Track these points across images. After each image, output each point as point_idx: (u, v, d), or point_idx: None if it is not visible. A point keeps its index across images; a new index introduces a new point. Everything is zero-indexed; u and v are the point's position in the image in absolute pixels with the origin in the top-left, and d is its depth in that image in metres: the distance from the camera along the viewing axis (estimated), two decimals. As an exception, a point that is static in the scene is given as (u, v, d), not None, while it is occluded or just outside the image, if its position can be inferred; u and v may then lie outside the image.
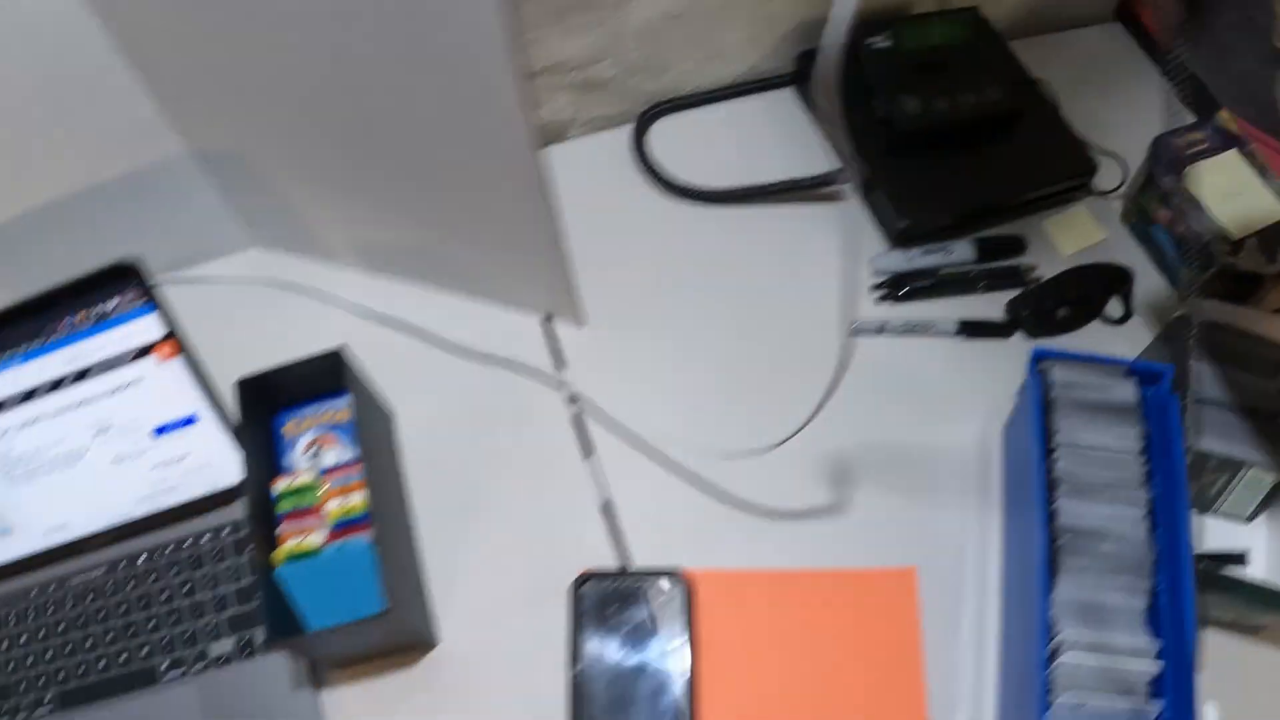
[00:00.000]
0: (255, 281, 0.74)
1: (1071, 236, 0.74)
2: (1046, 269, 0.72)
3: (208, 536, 0.68)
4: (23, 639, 0.70)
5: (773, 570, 0.62)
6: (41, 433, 0.65)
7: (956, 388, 0.68)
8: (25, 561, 0.70)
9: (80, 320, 0.61)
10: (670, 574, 0.61)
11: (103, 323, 0.61)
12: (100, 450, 0.66)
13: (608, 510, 0.64)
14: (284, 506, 0.61)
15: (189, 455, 0.66)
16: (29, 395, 0.64)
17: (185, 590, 0.67)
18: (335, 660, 0.63)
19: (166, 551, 0.69)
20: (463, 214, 0.62)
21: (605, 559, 0.63)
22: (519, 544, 0.65)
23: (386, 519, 0.61)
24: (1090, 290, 0.71)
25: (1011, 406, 0.66)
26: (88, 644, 0.68)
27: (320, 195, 0.67)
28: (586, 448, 0.66)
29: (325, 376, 0.64)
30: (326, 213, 0.69)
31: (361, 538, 0.59)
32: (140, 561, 0.69)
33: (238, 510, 0.68)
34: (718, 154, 0.76)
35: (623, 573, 0.62)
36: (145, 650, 0.67)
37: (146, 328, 0.62)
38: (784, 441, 0.59)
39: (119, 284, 0.60)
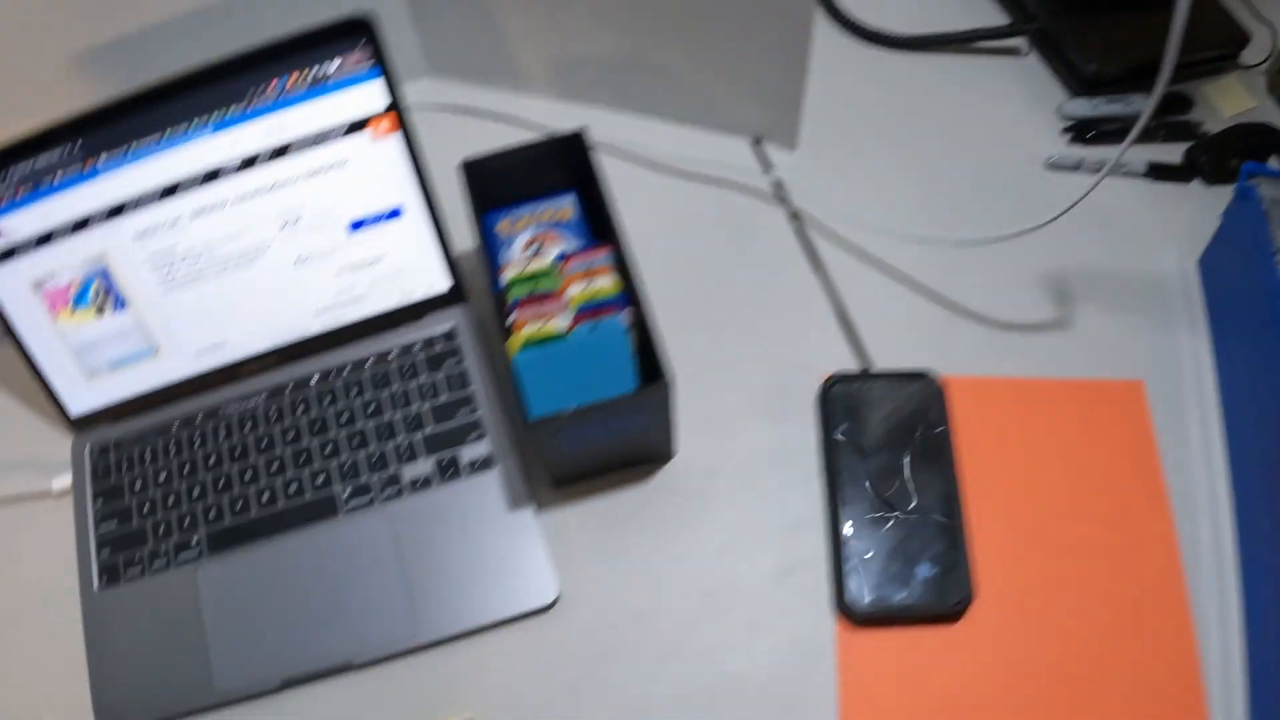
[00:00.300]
0: (433, 108, 0.69)
1: (1229, 101, 0.77)
2: (1211, 128, 0.75)
3: (396, 353, 0.61)
4: (161, 478, 0.61)
5: (1011, 377, 0.61)
6: (218, 223, 0.57)
7: (1146, 224, 0.69)
8: (170, 390, 0.62)
9: (293, 83, 0.55)
10: (921, 374, 0.59)
11: (319, 87, 0.55)
12: (283, 247, 0.58)
13: (844, 318, 0.61)
14: (516, 293, 0.55)
15: (384, 258, 0.60)
16: (212, 176, 0.56)
17: (370, 411, 0.60)
18: (567, 472, 0.57)
19: (345, 372, 0.61)
20: (705, 19, 0.59)
21: (841, 367, 0.60)
22: (751, 354, 0.61)
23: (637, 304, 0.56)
24: (1256, 145, 0.74)
25: (1201, 244, 0.67)
26: (245, 476, 0.60)
27: (532, 4, 0.63)
28: (815, 259, 0.63)
29: (548, 168, 0.59)
30: (531, 27, 0.65)
31: (615, 319, 0.54)
32: (313, 383, 0.61)
33: (432, 325, 0.62)
34: (893, 10, 0.77)
35: (871, 375, 0.59)
36: (321, 478, 0.59)
37: (366, 97, 0.55)
38: (1011, 237, 0.58)
39: (345, 43, 0.54)
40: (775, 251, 0.64)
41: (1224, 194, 0.66)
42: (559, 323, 0.54)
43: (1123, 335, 0.63)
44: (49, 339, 0.59)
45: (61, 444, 0.64)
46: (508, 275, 0.56)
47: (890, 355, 0.61)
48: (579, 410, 0.50)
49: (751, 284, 0.63)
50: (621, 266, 0.55)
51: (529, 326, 0.54)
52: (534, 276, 0.56)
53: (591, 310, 0.54)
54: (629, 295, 0.54)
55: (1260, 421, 0.57)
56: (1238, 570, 0.56)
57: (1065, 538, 0.56)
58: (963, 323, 0.62)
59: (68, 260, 0.57)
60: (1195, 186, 0.72)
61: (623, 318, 0.53)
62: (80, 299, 0.59)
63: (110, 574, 0.59)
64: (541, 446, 0.53)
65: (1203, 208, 0.68)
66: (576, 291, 0.55)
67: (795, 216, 0.65)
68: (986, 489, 0.57)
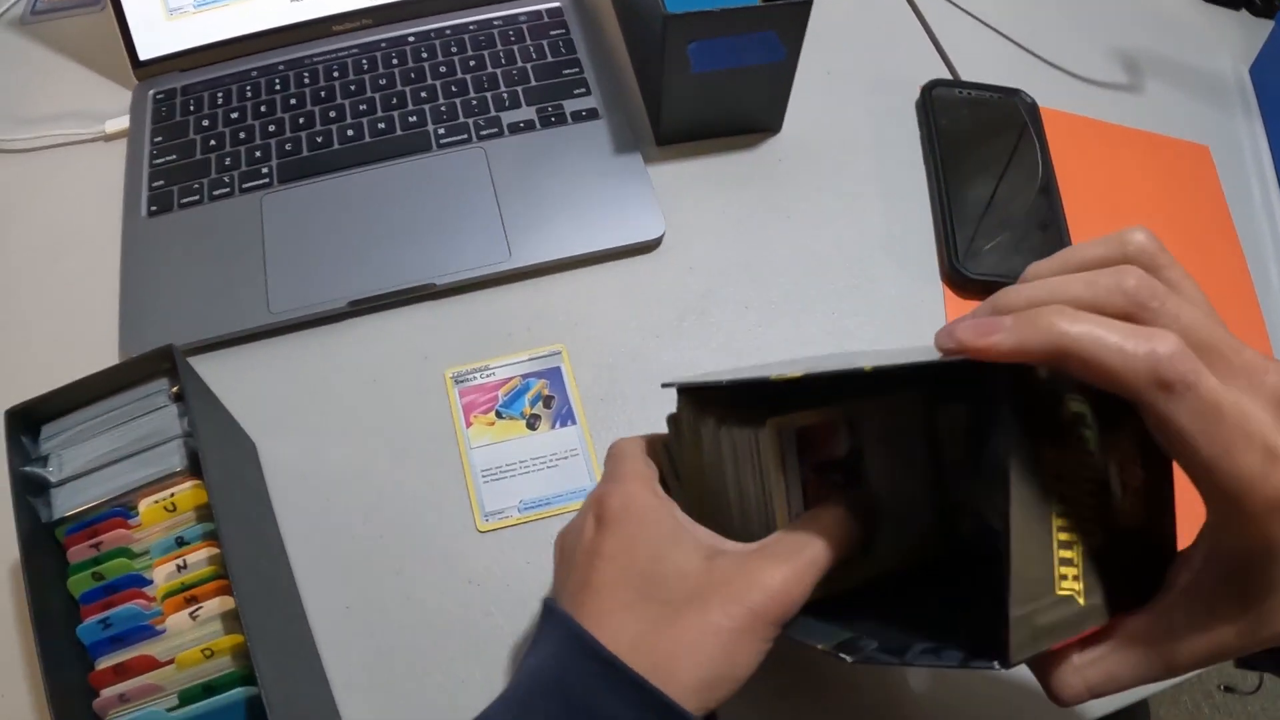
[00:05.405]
0: None
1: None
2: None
3: (499, 21, 0.60)
4: (232, 116, 0.57)
5: (1090, 118, 0.62)
6: None
7: (1202, 30, 0.72)
8: (253, 39, 0.59)
9: None
10: (1016, 90, 0.60)
11: None
12: (402, -104, 0.58)
13: (938, 47, 0.62)
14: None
15: (499, -76, 0.59)
16: None
17: (470, 66, 0.58)
18: (675, 126, 0.55)
19: (445, 33, 0.59)
20: None
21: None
22: (853, 64, 0.61)
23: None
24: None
25: (1250, 58, 0.71)
26: (330, 115, 0.56)
27: None
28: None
29: None
30: None
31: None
32: (411, 40, 0.59)
33: (537, 3, 0.61)
34: None
35: (968, 83, 0.60)
36: (414, 119, 0.56)
37: None
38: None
39: None
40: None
41: (1266, 25, 0.70)
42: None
43: (1187, 112, 0.65)
44: (136, -37, 0.57)
45: (121, 97, 0.59)
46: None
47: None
48: (720, 10, 0.49)
49: (849, 9, 0.64)
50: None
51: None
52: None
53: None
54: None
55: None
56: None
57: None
58: (1042, 68, 0.64)
59: (176, -124, 0.56)
60: (1243, 15, 0.76)
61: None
62: (181, -80, 0.57)
63: (161, 203, 0.54)
64: (670, 59, 0.51)
65: (1250, 25, 0.71)
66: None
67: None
68: (1075, 203, 0.57)
